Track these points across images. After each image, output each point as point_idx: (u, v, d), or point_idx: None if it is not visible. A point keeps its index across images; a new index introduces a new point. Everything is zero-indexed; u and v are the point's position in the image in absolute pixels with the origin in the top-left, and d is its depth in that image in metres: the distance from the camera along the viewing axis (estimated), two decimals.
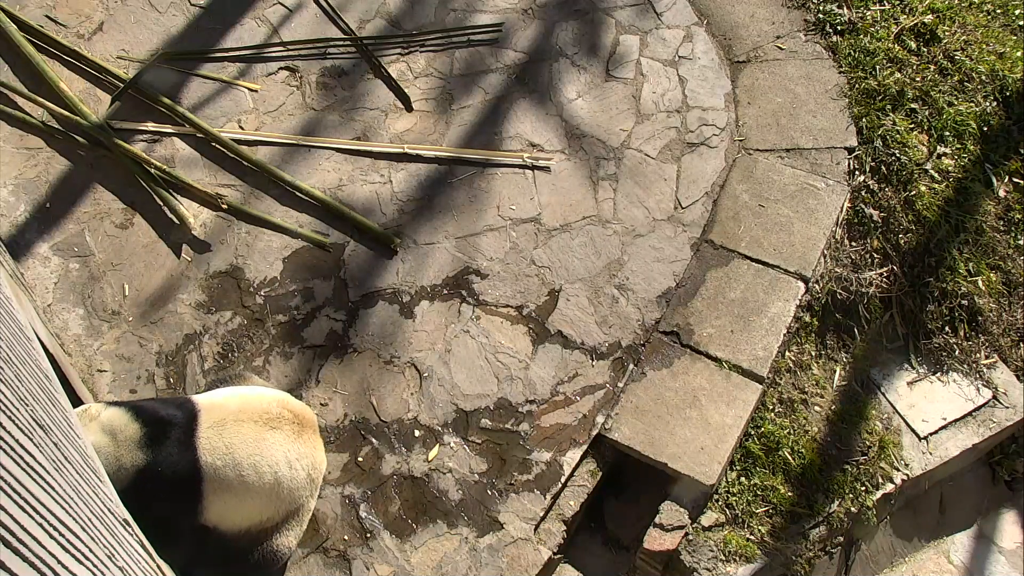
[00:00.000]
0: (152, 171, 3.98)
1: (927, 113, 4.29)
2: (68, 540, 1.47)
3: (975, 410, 3.88)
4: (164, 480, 2.89)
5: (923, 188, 4.12)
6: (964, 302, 4.01)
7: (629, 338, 3.75)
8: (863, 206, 4.07)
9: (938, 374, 3.95)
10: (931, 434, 3.81)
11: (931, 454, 3.78)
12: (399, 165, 4.13)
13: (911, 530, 3.97)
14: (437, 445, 3.51)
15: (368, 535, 3.34)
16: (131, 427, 2.92)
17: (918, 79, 4.37)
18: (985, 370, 3.96)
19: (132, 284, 3.80)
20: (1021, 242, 4.16)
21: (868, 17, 4.56)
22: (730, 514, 3.51)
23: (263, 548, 3.11)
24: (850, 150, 4.19)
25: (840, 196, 4.05)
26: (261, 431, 3.06)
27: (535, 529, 3.38)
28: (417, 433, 3.53)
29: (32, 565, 1.22)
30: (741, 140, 4.25)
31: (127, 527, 2.13)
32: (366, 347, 3.70)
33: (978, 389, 3.92)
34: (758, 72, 4.45)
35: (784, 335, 3.74)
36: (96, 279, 3.80)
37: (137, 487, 2.85)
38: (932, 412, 3.86)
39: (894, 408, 3.85)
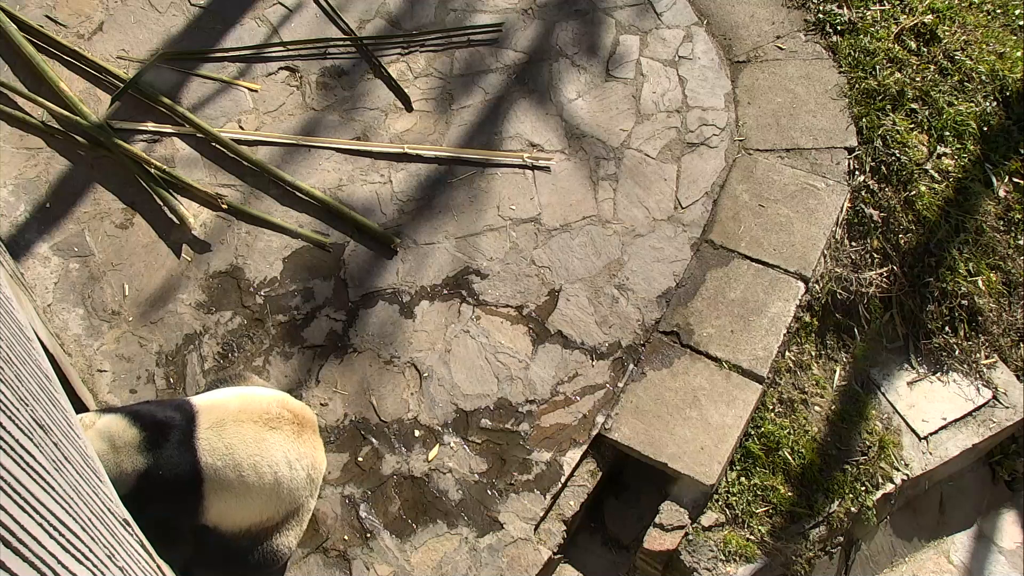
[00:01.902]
0: (152, 171, 3.97)
1: (927, 113, 4.29)
2: (68, 540, 1.47)
3: (975, 410, 3.88)
4: (165, 483, 2.89)
5: (923, 188, 4.12)
6: (964, 302, 4.01)
7: (629, 338, 3.75)
8: (863, 206, 4.07)
9: (938, 374, 3.95)
10: (931, 434, 3.81)
11: (931, 454, 3.78)
12: (399, 165, 4.13)
13: (911, 530, 3.97)
14: (437, 445, 3.51)
15: (368, 535, 3.35)
16: (129, 432, 2.91)
17: (918, 79, 4.37)
18: (985, 370, 3.96)
19: (132, 284, 3.80)
20: (1021, 242, 4.16)
21: (868, 17, 4.56)
22: (730, 514, 3.51)
23: (263, 548, 3.11)
24: (850, 150, 4.19)
25: (840, 196, 4.05)
26: (261, 431, 3.06)
27: (535, 529, 3.38)
28: (417, 433, 3.53)
29: (32, 565, 1.22)
30: (741, 140, 4.25)
31: (127, 527, 2.13)
32: (366, 347, 3.70)
33: (978, 389, 3.92)
34: (758, 72, 4.45)
35: (784, 335, 3.74)
36: (96, 279, 3.80)
37: (139, 491, 2.84)
38: (932, 412, 3.86)
39: (894, 408, 3.85)
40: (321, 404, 3.57)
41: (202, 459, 2.94)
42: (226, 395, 3.18)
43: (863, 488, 3.64)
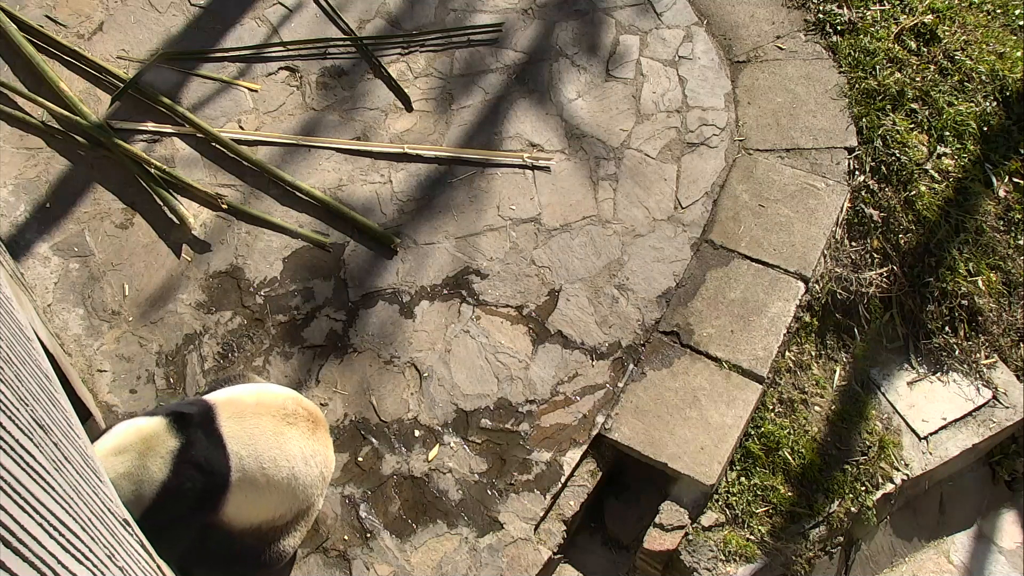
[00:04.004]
0: (152, 171, 3.98)
1: (927, 113, 4.29)
2: (68, 540, 1.47)
3: (975, 410, 3.88)
4: (198, 465, 2.86)
5: (923, 188, 4.12)
6: (964, 302, 4.01)
7: (629, 338, 3.75)
8: (863, 206, 4.07)
9: (938, 374, 3.95)
10: (931, 434, 3.82)
11: (931, 454, 3.78)
12: (399, 165, 4.13)
13: (911, 530, 3.97)
14: (437, 445, 3.51)
15: (368, 535, 3.35)
16: (153, 420, 2.91)
17: (918, 79, 4.37)
18: (985, 370, 3.96)
19: (132, 284, 3.80)
20: (1021, 242, 4.16)
21: (868, 17, 4.56)
22: (730, 514, 3.51)
23: (269, 547, 3.10)
24: (850, 150, 4.19)
25: (840, 196, 4.05)
26: (280, 425, 3.04)
27: (535, 529, 3.38)
28: (417, 433, 3.53)
29: (32, 565, 1.22)
30: (741, 140, 4.25)
31: (127, 527, 2.13)
32: (366, 347, 3.70)
33: (978, 389, 3.92)
34: (758, 72, 4.45)
35: (784, 335, 3.74)
36: (96, 279, 3.80)
37: (175, 472, 2.82)
38: (932, 412, 3.86)
39: (894, 408, 3.85)
40: (321, 404, 3.56)
41: (228, 445, 2.92)
42: (241, 391, 3.16)
43: (863, 488, 3.64)
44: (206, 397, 3.10)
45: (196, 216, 3.95)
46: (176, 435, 2.88)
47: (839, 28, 4.55)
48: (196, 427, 2.91)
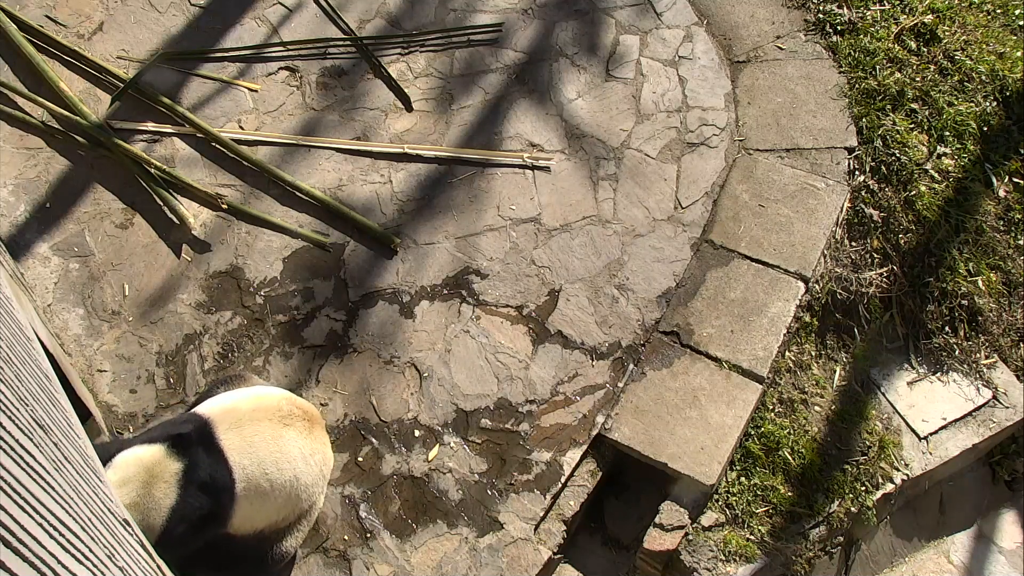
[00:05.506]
0: (152, 171, 3.98)
1: (927, 113, 4.29)
2: (68, 540, 1.47)
3: (975, 410, 3.88)
4: (204, 484, 2.85)
5: (923, 188, 4.12)
6: (964, 302, 4.01)
7: (629, 338, 3.75)
8: (863, 206, 4.07)
9: (938, 374, 3.95)
10: (931, 434, 3.82)
11: (931, 454, 3.78)
12: (399, 165, 4.13)
13: (911, 530, 3.97)
14: (437, 445, 3.51)
15: (368, 535, 3.35)
16: (152, 448, 2.87)
17: (918, 79, 4.37)
18: (985, 370, 3.96)
19: (132, 284, 3.80)
20: (1021, 242, 4.16)
21: (868, 17, 4.56)
22: (730, 514, 3.51)
23: (272, 549, 3.10)
24: (850, 150, 4.19)
25: (840, 196, 4.06)
26: (278, 428, 3.04)
27: (535, 529, 3.38)
28: (417, 433, 3.53)
29: (32, 565, 1.22)
30: (741, 140, 4.25)
31: (127, 527, 2.14)
32: (366, 347, 3.70)
33: (978, 389, 3.92)
34: (758, 72, 4.45)
35: (784, 335, 3.74)
36: (96, 279, 3.80)
37: (181, 495, 2.80)
38: (932, 412, 3.86)
39: (894, 408, 3.85)
40: (321, 404, 3.57)
41: (230, 458, 2.91)
42: (235, 398, 3.14)
43: (863, 488, 3.64)
44: (200, 411, 3.06)
45: (196, 216, 3.95)
46: (177, 458, 2.86)
47: (839, 28, 4.55)
48: (196, 446, 2.90)
